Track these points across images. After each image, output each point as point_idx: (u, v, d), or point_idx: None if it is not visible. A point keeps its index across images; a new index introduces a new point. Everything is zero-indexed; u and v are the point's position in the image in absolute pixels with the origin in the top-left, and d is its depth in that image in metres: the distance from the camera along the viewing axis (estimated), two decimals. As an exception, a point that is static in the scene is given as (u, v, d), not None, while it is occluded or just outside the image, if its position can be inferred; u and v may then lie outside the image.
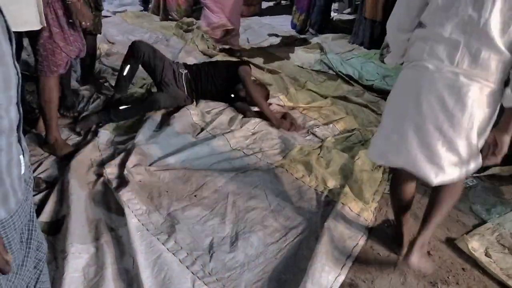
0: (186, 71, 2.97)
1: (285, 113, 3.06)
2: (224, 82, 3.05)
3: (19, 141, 0.91)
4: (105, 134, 2.55)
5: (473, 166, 1.46)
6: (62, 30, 2.11)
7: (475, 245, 1.86)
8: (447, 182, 1.49)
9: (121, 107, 2.69)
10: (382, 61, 4.28)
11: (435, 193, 1.63)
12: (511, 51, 1.30)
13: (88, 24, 2.15)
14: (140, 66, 2.88)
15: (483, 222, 2.06)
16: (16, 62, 0.85)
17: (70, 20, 2.11)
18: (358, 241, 1.88)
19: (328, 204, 2.12)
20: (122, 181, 2.11)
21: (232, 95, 3.09)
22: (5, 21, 0.81)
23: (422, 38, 1.46)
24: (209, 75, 3.03)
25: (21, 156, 0.92)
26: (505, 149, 1.42)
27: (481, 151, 1.47)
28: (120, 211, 1.92)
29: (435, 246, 1.90)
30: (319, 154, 2.53)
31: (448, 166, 1.45)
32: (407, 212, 1.77)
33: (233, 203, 2.07)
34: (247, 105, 3.03)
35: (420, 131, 1.45)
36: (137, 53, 2.80)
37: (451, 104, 1.38)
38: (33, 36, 2.11)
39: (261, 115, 2.91)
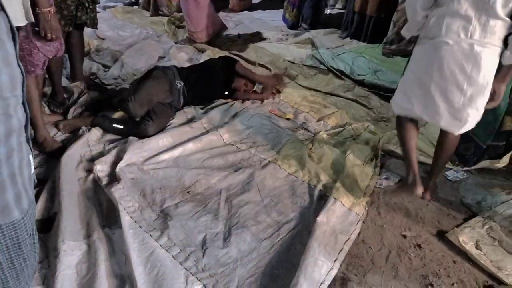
0: (182, 83, 2.85)
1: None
2: (221, 83, 3.07)
3: (27, 141, 0.91)
4: (96, 130, 2.53)
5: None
6: (38, 30, 2.07)
7: (465, 238, 1.88)
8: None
9: (114, 125, 2.58)
10: (384, 54, 4.30)
11: (443, 143, 2.07)
12: (510, 17, 1.72)
13: (54, 37, 2.09)
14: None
15: (474, 215, 2.08)
16: (19, 62, 0.84)
17: (36, 28, 2.03)
18: (350, 235, 1.89)
19: (321, 198, 2.13)
20: (113, 178, 2.10)
21: (226, 93, 3.13)
22: (9, 21, 0.80)
23: (439, 16, 1.81)
24: (206, 81, 2.98)
25: (30, 156, 0.92)
26: (501, 96, 1.88)
27: None
28: (111, 208, 1.91)
29: (426, 239, 1.92)
30: (310, 149, 2.54)
31: (469, 119, 1.85)
32: (414, 146, 2.10)
33: (226, 199, 2.07)
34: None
35: (445, 93, 1.82)
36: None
37: (469, 68, 1.76)
38: None
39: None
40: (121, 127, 2.56)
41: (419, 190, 2.00)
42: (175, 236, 1.78)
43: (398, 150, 2.54)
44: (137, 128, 2.53)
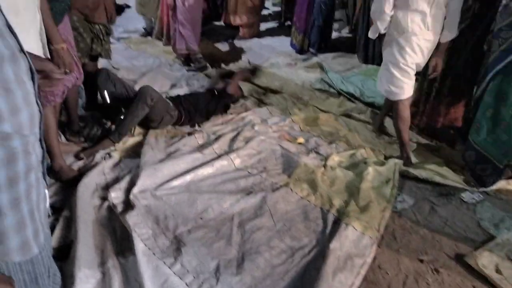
0: (177, 112, 3.05)
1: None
2: (209, 98, 3.37)
3: (44, 176, 0.93)
4: (112, 158, 2.56)
5: None
6: None
7: (485, 262, 1.84)
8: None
9: (122, 117, 2.76)
10: None
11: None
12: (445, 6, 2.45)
13: (68, 72, 2.15)
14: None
15: (492, 237, 2.04)
16: (38, 100, 0.88)
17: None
18: (365, 259, 1.86)
19: (335, 223, 2.11)
20: (128, 205, 2.12)
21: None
22: (29, 61, 0.84)
23: (403, 14, 2.47)
24: (194, 96, 3.34)
25: (46, 190, 0.94)
26: (440, 67, 2.62)
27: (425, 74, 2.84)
28: (126, 235, 1.92)
29: (444, 263, 1.88)
30: (323, 172, 2.53)
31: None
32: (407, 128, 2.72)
33: (238, 224, 2.07)
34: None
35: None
36: (104, 76, 2.98)
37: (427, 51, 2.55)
38: None
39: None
40: (125, 112, 2.78)
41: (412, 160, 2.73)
42: (188, 263, 1.78)
43: (412, 170, 2.53)
44: (136, 97, 2.77)
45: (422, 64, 2.62)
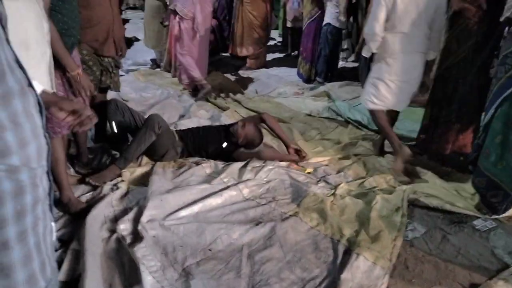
0: (175, 129, 3.10)
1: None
2: (216, 133, 3.14)
3: (50, 208, 0.94)
4: (120, 189, 2.57)
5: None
6: (66, 93, 2.20)
7: (500, 291, 1.79)
8: None
9: (129, 144, 2.78)
10: None
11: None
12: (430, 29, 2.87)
13: (88, 94, 2.26)
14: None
15: (507, 266, 1.99)
16: (46, 133, 0.89)
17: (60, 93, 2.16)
18: (378, 291, 1.82)
19: (345, 253, 2.07)
20: (136, 236, 2.11)
21: (225, 144, 3.07)
22: (36, 95, 0.86)
23: (392, 36, 2.86)
24: (201, 130, 3.17)
25: (53, 223, 0.95)
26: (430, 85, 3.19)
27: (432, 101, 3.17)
28: (134, 268, 1.90)
29: (458, 293, 1.84)
30: (332, 201, 2.52)
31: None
32: (389, 125, 3.09)
33: (248, 255, 2.04)
34: (244, 150, 3.11)
35: (406, 89, 3.00)
36: (114, 107, 3.01)
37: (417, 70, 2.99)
38: None
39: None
40: (133, 139, 2.79)
41: (407, 149, 2.93)
42: None
43: (423, 199, 2.50)
44: (144, 124, 2.79)
45: (411, 80, 2.99)
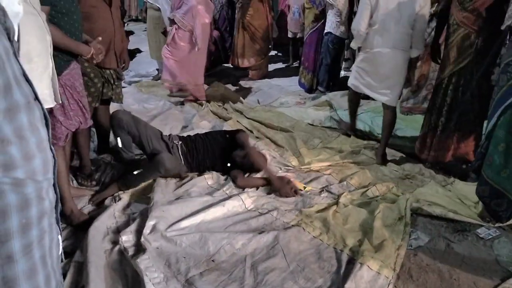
0: (181, 142, 2.97)
1: (283, 177, 2.89)
2: (221, 151, 3.00)
3: (57, 221, 0.94)
4: (122, 201, 2.57)
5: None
6: (62, 105, 2.21)
7: (505, 300, 1.78)
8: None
9: (134, 172, 2.75)
10: (402, 113, 4.34)
11: (384, 117, 3.49)
12: (412, 28, 3.08)
13: (99, 58, 2.39)
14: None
15: (511, 274, 1.97)
16: (52, 146, 0.90)
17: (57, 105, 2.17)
18: (381, 301, 1.81)
19: (349, 262, 2.07)
20: (139, 248, 2.10)
21: (229, 164, 3.01)
22: (42, 108, 0.87)
23: (374, 32, 3.20)
24: (206, 145, 3.00)
25: (59, 236, 0.95)
26: (414, 79, 3.98)
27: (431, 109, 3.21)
28: (137, 279, 1.90)
29: (463, 302, 1.82)
30: (335, 210, 2.51)
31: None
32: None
33: (251, 266, 2.04)
34: (243, 172, 2.97)
35: (376, 79, 3.35)
36: (118, 122, 2.86)
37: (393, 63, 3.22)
38: None
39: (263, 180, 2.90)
40: (140, 170, 2.76)
41: (351, 127, 3.97)
42: None
43: (426, 207, 2.49)
44: (152, 162, 2.75)
45: (384, 73, 3.28)
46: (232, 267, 2.03)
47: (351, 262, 2.05)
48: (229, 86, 6.12)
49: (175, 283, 1.88)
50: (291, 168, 3.23)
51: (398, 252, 2.12)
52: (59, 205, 0.96)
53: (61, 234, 0.97)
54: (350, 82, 3.66)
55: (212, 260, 2.07)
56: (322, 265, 2.07)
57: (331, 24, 5.36)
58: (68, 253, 2.11)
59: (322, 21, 5.59)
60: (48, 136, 0.88)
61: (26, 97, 0.81)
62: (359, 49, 3.64)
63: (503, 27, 2.54)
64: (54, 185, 0.92)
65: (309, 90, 5.83)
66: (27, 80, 0.84)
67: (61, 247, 0.95)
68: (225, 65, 7.43)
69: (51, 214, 0.89)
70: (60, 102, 2.07)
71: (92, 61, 2.38)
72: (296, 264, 2.05)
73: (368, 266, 1.97)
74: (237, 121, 4.24)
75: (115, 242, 2.17)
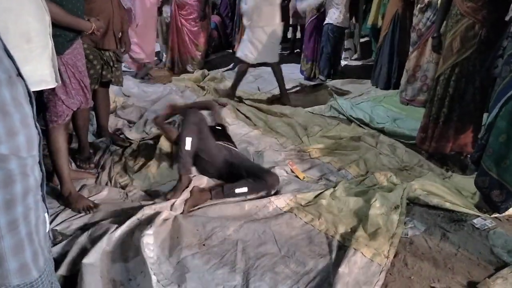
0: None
1: None
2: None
3: (43, 199, 0.94)
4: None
5: None
6: (64, 84, 2.20)
7: (498, 289, 1.79)
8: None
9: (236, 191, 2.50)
10: (402, 103, 4.36)
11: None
12: None
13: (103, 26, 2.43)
14: None
15: (505, 264, 1.98)
16: (37, 123, 0.89)
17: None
18: (373, 287, 1.82)
19: (339, 248, 2.07)
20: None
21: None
22: (26, 85, 0.86)
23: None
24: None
25: (46, 214, 0.95)
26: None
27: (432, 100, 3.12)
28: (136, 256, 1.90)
29: (456, 291, 1.83)
30: (331, 197, 2.51)
31: None
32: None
33: (242, 250, 2.04)
34: None
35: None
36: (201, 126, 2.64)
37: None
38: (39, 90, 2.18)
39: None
40: (245, 189, 2.49)
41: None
42: None
43: (422, 198, 2.50)
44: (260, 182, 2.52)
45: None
46: (224, 252, 2.03)
47: (342, 249, 2.06)
48: (229, 72, 6.10)
49: (167, 266, 1.89)
50: (292, 154, 3.23)
51: (392, 240, 2.12)
52: (45, 183, 0.95)
53: (47, 212, 0.96)
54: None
55: (203, 244, 2.07)
56: (313, 249, 2.07)
57: (332, 15, 5.31)
58: (66, 235, 2.10)
59: (322, 9, 5.55)
60: (33, 113, 0.88)
61: (7, 72, 0.80)
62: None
63: (507, 18, 2.52)
64: (40, 162, 0.91)
65: (309, 78, 5.81)
66: (9, 55, 0.83)
67: (48, 225, 0.95)
68: (227, 51, 7.40)
69: (36, 191, 0.89)
70: (60, 82, 2.06)
71: (92, 36, 2.39)
72: (287, 249, 2.06)
73: (362, 253, 1.97)
74: (236, 108, 4.21)
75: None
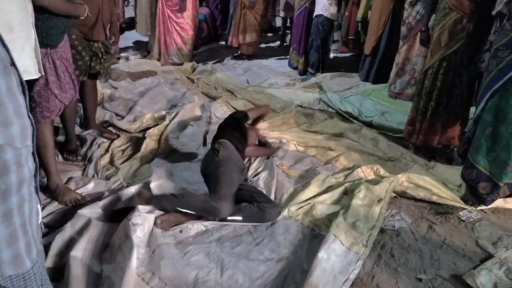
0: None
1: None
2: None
3: (36, 190, 0.93)
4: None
5: None
6: (58, 78, 2.18)
7: (483, 280, 1.82)
8: None
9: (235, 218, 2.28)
10: (390, 96, 4.37)
11: None
12: None
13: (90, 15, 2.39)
14: None
15: (490, 256, 2.01)
16: (29, 113, 0.88)
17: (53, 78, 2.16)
18: (349, 275, 1.85)
19: (314, 237, 2.11)
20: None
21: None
22: (19, 75, 0.85)
23: None
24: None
25: (39, 205, 0.94)
26: None
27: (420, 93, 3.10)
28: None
29: (442, 282, 1.85)
30: (315, 190, 2.53)
31: None
32: None
33: (217, 239, 2.07)
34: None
35: None
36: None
37: None
38: (28, 83, 2.15)
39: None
40: (240, 218, 2.25)
41: None
42: (167, 277, 1.77)
43: (410, 191, 2.52)
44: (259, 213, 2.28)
45: None
46: (199, 241, 2.06)
47: (317, 238, 2.10)
48: (218, 65, 6.07)
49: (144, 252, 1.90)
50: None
51: (371, 232, 2.14)
52: (38, 174, 0.94)
53: (40, 203, 0.96)
54: None
55: (180, 231, 2.10)
56: (288, 237, 2.11)
57: (322, 6, 5.29)
58: (52, 228, 2.09)
59: (311, 0, 5.51)
60: (26, 103, 0.87)
61: (2, 61, 0.80)
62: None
63: (493, 12, 2.54)
64: (33, 153, 0.90)
65: (299, 71, 5.80)
66: (4, 45, 0.82)
67: (40, 217, 0.95)
68: (216, 43, 7.36)
69: (30, 182, 0.89)
70: (43, 74, 2.03)
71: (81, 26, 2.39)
72: (262, 239, 2.10)
73: (341, 241, 1.99)
74: (227, 101, 4.19)
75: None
